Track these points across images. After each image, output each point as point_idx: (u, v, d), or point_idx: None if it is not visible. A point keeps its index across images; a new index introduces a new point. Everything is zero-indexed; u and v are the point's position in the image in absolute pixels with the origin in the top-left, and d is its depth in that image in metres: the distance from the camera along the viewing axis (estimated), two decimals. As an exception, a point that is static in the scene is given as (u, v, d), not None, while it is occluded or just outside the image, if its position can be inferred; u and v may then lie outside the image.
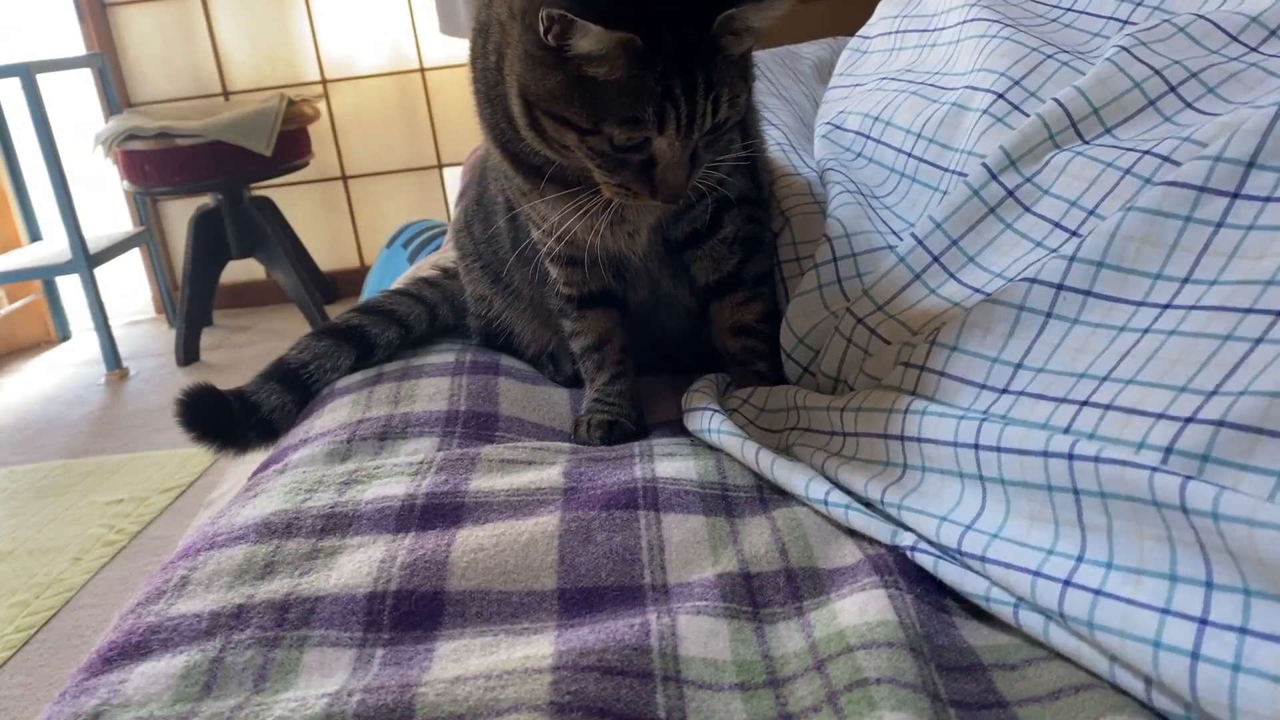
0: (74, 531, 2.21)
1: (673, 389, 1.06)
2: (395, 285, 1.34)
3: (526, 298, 1.14)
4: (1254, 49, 0.85)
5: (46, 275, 3.32)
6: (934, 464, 0.73)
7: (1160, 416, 0.59)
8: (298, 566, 0.71)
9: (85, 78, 3.68)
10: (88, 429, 2.86)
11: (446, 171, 3.77)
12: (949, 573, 0.66)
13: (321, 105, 3.62)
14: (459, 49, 3.16)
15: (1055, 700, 0.55)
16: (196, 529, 0.85)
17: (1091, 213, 0.79)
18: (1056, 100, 0.87)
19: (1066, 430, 0.65)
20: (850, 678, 0.57)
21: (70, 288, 3.59)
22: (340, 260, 3.87)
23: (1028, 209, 0.84)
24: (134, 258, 3.88)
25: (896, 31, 1.31)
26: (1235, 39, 0.86)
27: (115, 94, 3.62)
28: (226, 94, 3.74)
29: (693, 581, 0.69)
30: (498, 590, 0.69)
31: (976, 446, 0.68)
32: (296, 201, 3.75)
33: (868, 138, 1.15)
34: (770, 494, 0.80)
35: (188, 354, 3.31)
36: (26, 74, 3.04)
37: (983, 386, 0.75)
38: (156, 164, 3.09)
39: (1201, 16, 0.89)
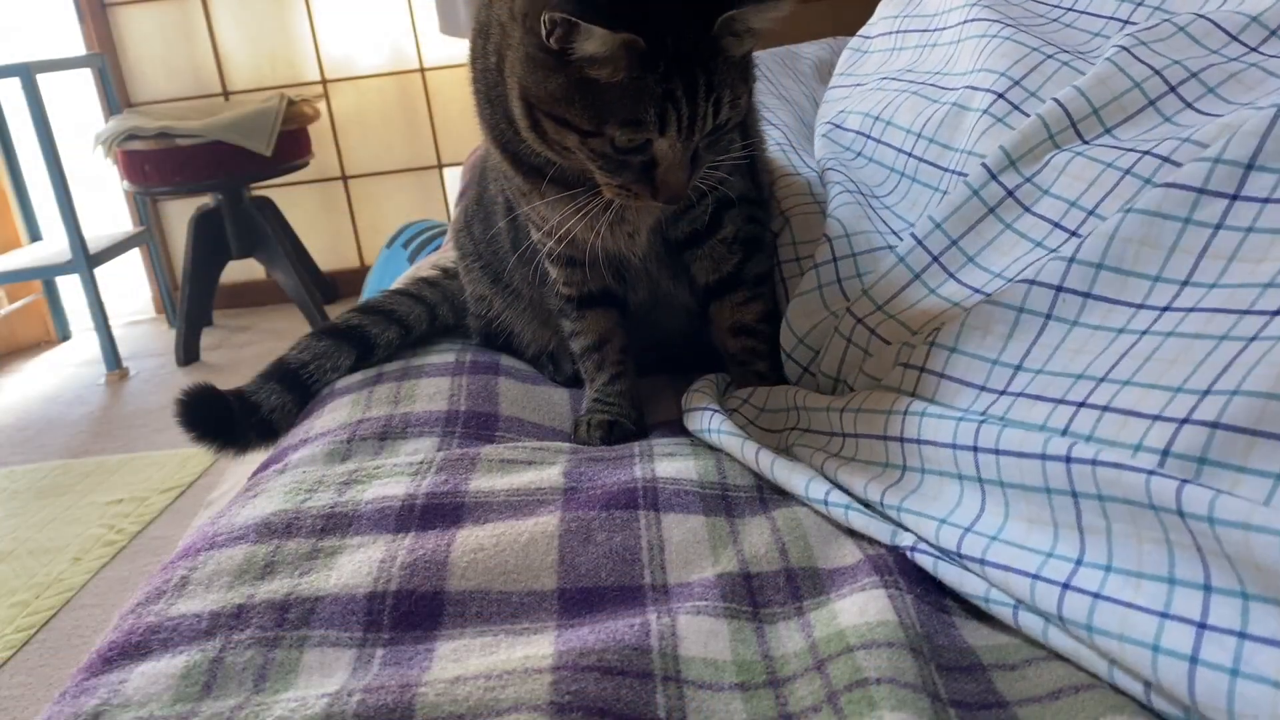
0: (74, 531, 2.21)
1: (673, 389, 1.06)
2: (395, 285, 1.34)
3: (526, 298, 1.14)
4: (1254, 49, 0.85)
5: (46, 275, 3.32)
6: (933, 466, 0.73)
7: (1156, 418, 0.59)
8: (298, 566, 0.71)
9: (85, 78, 3.68)
10: (88, 429, 2.86)
11: (446, 171, 3.77)
12: (949, 573, 0.66)
13: (321, 105, 3.62)
14: (459, 49, 3.16)
15: (1055, 700, 0.55)
16: (196, 529, 0.85)
17: (1091, 213, 0.79)
18: (1056, 100, 0.87)
19: (1064, 432, 0.65)
20: (850, 678, 0.57)
21: (70, 288, 3.59)
22: (340, 260, 3.87)
23: (1027, 209, 0.84)
24: (134, 258, 3.88)
25: (897, 31, 1.31)
26: (1235, 38, 0.86)
27: (115, 94, 3.62)
28: (226, 94, 3.74)
29: (693, 581, 0.69)
30: (498, 590, 0.69)
31: (975, 449, 0.68)
32: (296, 201, 3.75)
33: (868, 137, 1.15)
34: (770, 494, 0.80)
35: (188, 354, 3.31)
36: (26, 74, 3.04)
37: (982, 388, 0.75)
38: (156, 164, 3.09)
39: (1202, 16, 0.89)
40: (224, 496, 1.23)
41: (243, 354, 3.32)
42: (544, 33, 0.74)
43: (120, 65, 3.72)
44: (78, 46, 3.71)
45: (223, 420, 1.09)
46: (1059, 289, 0.72)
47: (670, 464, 0.84)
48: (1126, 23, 1.01)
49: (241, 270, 3.70)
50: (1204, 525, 0.52)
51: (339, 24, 3.69)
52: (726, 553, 0.72)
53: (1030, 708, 0.56)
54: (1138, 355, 0.64)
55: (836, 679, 0.57)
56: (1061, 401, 0.66)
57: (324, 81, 3.73)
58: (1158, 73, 0.85)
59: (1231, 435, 0.55)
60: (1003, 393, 0.72)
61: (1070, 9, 1.10)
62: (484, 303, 1.19)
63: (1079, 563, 0.59)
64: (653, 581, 0.69)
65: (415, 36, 3.67)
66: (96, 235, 3.36)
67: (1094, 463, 0.58)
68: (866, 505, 0.76)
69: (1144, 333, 0.66)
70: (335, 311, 3.00)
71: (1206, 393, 0.57)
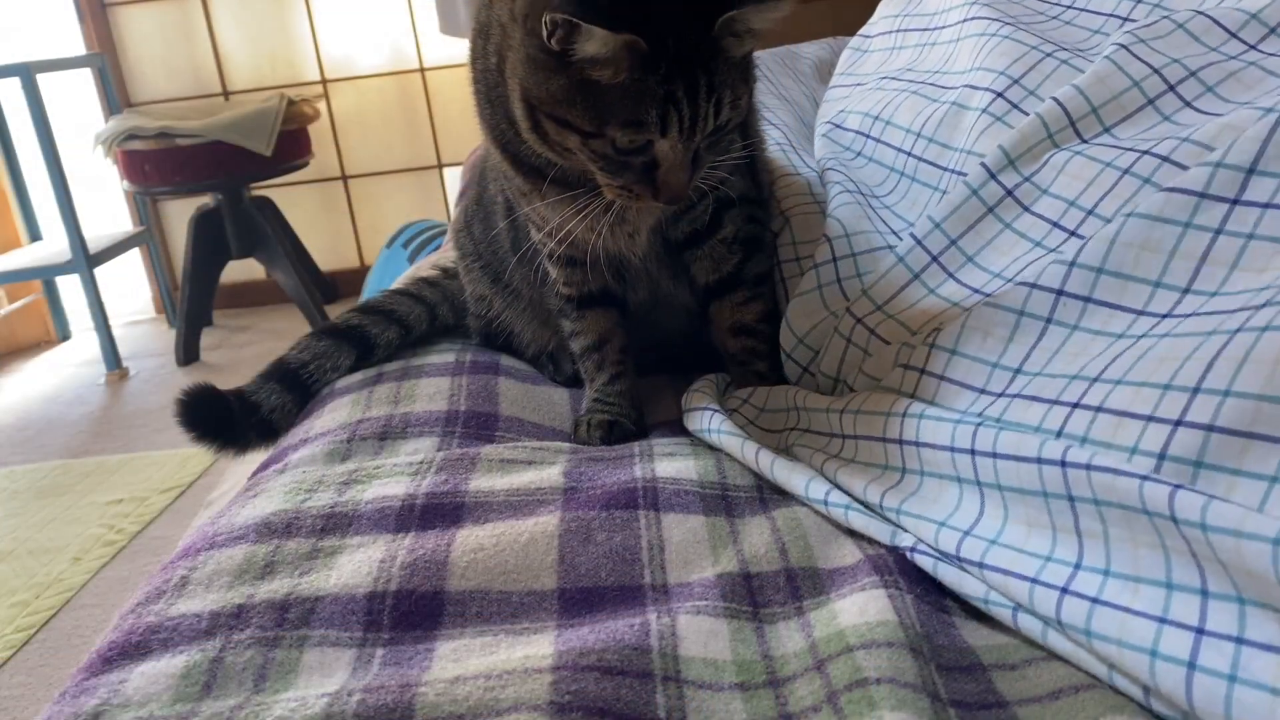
0: (74, 531, 2.21)
1: (673, 389, 1.06)
2: (395, 285, 1.34)
3: (526, 298, 1.14)
4: (1253, 46, 0.85)
5: (46, 275, 3.33)
6: (932, 468, 0.73)
7: (1150, 419, 0.59)
8: (298, 566, 0.71)
9: (85, 78, 3.68)
10: (88, 429, 2.86)
11: (446, 171, 3.77)
12: (948, 574, 0.66)
13: (321, 105, 3.62)
14: (459, 49, 3.16)
15: (1055, 700, 0.55)
16: (196, 529, 0.85)
17: (1090, 212, 0.79)
18: (1055, 99, 0.87)
19: (1059, 434, 0.64)
20: (850, 677, 0.57)
21: (70, 288, 3.59)
22: (340, 260, 3.87)
23: (1026, 208, 0.84)
24: (134, 258, 3.88)
25: (897, 30, 1.31)
26: (1235, 36, 0.86)
27: (115, 94, 3.62)
28: (226, 94, 3.74)
29: (693, 581, 0.69)
30: (498, 590, 0.69)
31: (972, 452, 0.68)
32: (296, 201, 3.75)
33: (868, 137, 1.15)
34: (770, 494, 0.80)
35: (188, 354, 3.31)
36: (26, 74, 3.04)
37: (981, 391, 0.75)
38: (156, 164, 3.09)
39: (1201, 13, 0.89)
40: (224, 496, 1.23)
41: (243, 354, 3.32)
42: (545, 34, 0.74)
43: (120, 65, 3.72)
44: (78, 46, 3.71)
45: (223, 420, 1.09)
46: (1060, 293, 0.72)
47: (670, 464, 0.84)
48: (1126, 20, 1.01)
49: (241, 270, 3.70)
50: (1197, 532, 0.51)
51: (339, 24, 3.69)
52: (726, 553, 0.72)
53: (1030, 708, 0.55)
54: (1131, 355, 0.64)
55: (836, 679, 0.57)
56: (1056, 402, 0.66)
57: (324, 81, 3.73)
58: (1156, 71, 0.85)
59: (1226, 438, 0.55)
60: (1000, 395, 0.72)
61: (1070, 6, 1.10)
62: (484, 303, 1.19)
63: (1078, 566, 0.59)
64: (653, 581, 0.69)
65: (415, 36, 3.67)
66: (96, 235, 3.36)
67: (1088, 467, 0.58)
68: (866, 507, 0.76)
69: (1142, 338, 0.66)
70: (335, 311, 3.00)
71: (1197, 390, 0.57)
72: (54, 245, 3.47)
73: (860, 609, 0.63)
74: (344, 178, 3.82)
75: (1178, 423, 0.57)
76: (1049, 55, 0.97)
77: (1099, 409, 0.63)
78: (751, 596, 0.67)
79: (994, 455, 0.66)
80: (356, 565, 0.70)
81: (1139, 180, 0.76)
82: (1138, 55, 0.86)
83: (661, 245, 1.00)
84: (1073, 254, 0.72)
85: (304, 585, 0.69)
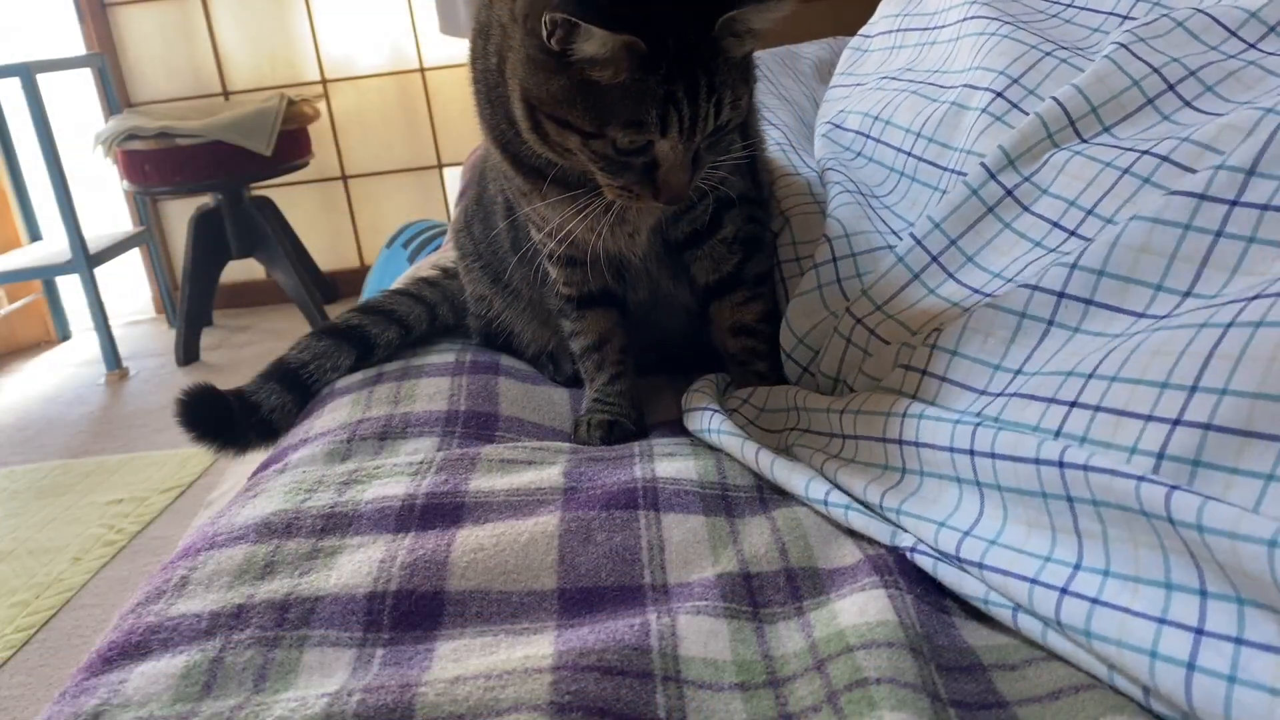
0: (74, 531, 2.21)
1: (673, 389, 1.06)
2: (395, 285, 1.34)
3: (526, 298, 1.14)
4: (1252, 45, 0.85)
5: (46, 275, 3.33)
6: (932, 469, 0.73)
7: (1149, 418, 0.59)
8: (298, 566, 0.71)
9: (85, 78, 3.68)
10: (88, 429, 2.86)
11: (446, 171, 3.77)
12: (948, 574, 0.66)
13: (321, 105, 3.62)
14: (459, 49, 3.16)
15: (1055, 700, 0.55)
16: (196, 529, 0.85)
17: (1090, 212, 0.79)
18: (1055, 99, 0.87)
19: (1058, 434, 0.64)
20: (850, 678, 0.57)
21: (70, 288, 3.59)
22: (340, 260, 3.87)
23: (1026, 208, 0.84)
24: (134, 258, 3.88)
25: (897, 30, 1.31)
26: (1234, 34, 0.86)
27: (115, 94, 3.62)
28: (226, 94, 3.74)
29: (693, 581, 0.69)
30: (498, 590, 0.69)
31: (971, 452, 0.68)
32: (296, 201, 3.75)
33: (868, 137, 1.15)
34: (770, 494, 0.80)
35: (188, 354, 3.31)
36: (26, 74, 3.04)
37: (982, 392, 0.75)
38: (156, 164, 3.09)
39: (1200, 11, 0.89)
40: (224, 496, 1.23)
41: (243, 354, 3.32)
42: (545, 34, 0.74)
43: (120, 65, 3.72)
44: (78, 46, 3.71)
45: (223, 420, 1.09)
46: (1061, 295, 0.72)
47: (670, 464, 0.84)
48: (1126, 17, 1.01)
49: (241, 270, 3.70)
50: (1194, 533, 0.51)
51: (339, 24, 3.69)
52: (726, 553, 0.72)
53: (1030, 708, 0.55)
54: (1125, 349, 0.64)
55: (836, 679, 0.57)
56: (1054, 400, 0.66)
57: (324, 81, 3.73)
58: (1156, 71, 0.85)
59: (1224, 436, 0.55)
60: (1000, 395, 0.72)
61: (1070, 4, 1.10)
62: (484, 303, 1.19)
63: (1077, 567, 0.59)
64: (653, 581, 0.69)
65: (415, 36, 3.67)
66: (96, 235, 3.36)
67: (1086, 468, 0.58)
68: (866, 507, 0.76)
69: (1138, 334, 0.66)
70: (335, 311, 3.00)
71: (1194, 389, 0.57)
72: (54, 245, 3.47)
73: (860, 609, 0.63)
74: (344, 178, 3.82)
75: (1176, 422, 0.57)
76: (1048, 54, 0.97)
77: (1097, 408, 0.63)
78: (751, 596, 0.67)
79: (992, 455, 0.66)
80: (356, 565, 0.70)
81: (1139, 180, 0.76)
82: (1137, 54, 0.86)
83: (661, 245, 1.00)
84: (1074, 256, 0.72)
85: (304, 585, 0.69)
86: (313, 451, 0.91)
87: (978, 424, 0.69)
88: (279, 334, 3.41)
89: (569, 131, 0.79)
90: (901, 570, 0.67)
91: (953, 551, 0.66)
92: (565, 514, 0.76)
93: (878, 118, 1.14)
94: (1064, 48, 0.99)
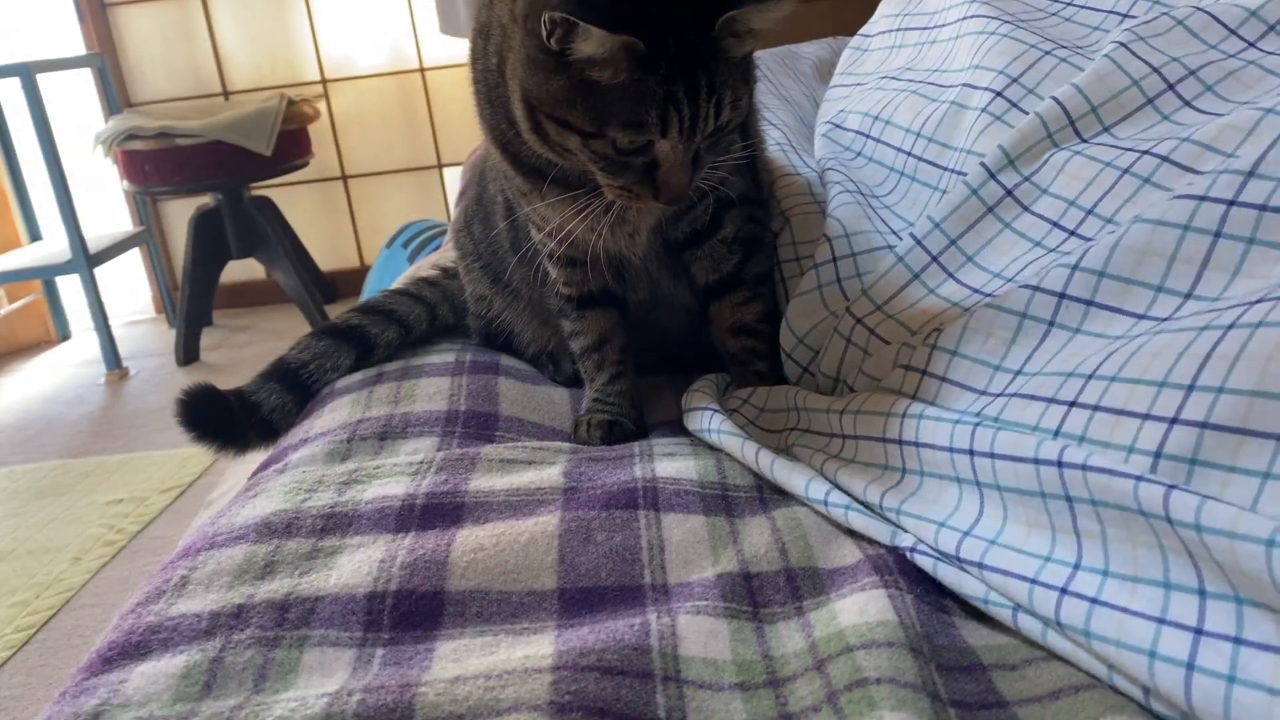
0: (74, 531, 2.21)
1: (673, 389, 1.06)
2: (395, 285, 1.34)
3: (526, 298, 1.14)
4: (1252, 44, 0.85)
5: (46, 275, 3.32)
6: (931, 469, 0.73)
7: (1146, 417, 0.59)
8: (298, 566, 0.71)
9: (85, 78, 3.68)
10: (88, 429, 2.86)
11: (446, 171, 3.77)
12: (948, 574, 0.66)
13: (321, 105, 3.62)
14: (459, 49, 3.16)
15: (1055, 700, 0.55)
16: (196, 529, 0.85)
17: (1090, 212, 0.79)
18: (1055, 99, 0.87)
19: (1057, 433, 0.64)
20: (850, 677, 0.57)
21: (70, 288, 3.59)
22: (340, 260, 3.87)
23: (1026, 208, 0.84)
24: (134, 258, 3.89)
25: (897, 29, 1.31)
26: (1234, 33, 0.86)
27: (115, 94, 3.62)
28: (226, 94, 3.74)
29: (693, 581, 0.69)
30: (498, 590, 0.69)
31: (971, 452, 0.68)
32: (296, 201, 3.75)
33: (868, 137, 1.15)
34: (770, 494, 0.80)
35: (188, 354, 3.31)
36: (26, 74, 3.04)
37: (982, 393, 0.75)
38: (156, 164, 3.09)
39: (1200, 9, 0.89)
40: (224, 496, 1.23)
41: (243, 354, 3.32)
42: (544, 33, 0.74)
43: (120, 65, 3.72)
44: (78, 46, 3.71)
45: (223, 420, 1.09)
46: (1062, 296, 0.72)
47: (670, 464, 0.84)
48: (1126, 16, 1.01)
49: (241, 270, 3.70)
50: (1192, 533, 0.51)
51: (339, 24, 3.69)
52: (726, 553, 0.72)
53: (1030, 708, 0.55)
54: (1125, 351, 0.64)
55: (836, 679, 0.57)
56: (1053, 400, 0.66)
57: (324, 81, 3.73)
58: (1156, 70, 0.85)
59: (1221, 435, 0.55)
60: (1000, 395, 0.72)
61: (1070, 3, 1.10)
62: (484, 303, 1.19)
63: (1076, 567, 0.59)
64: (653, 581, 0.69)
65: (415, 36, 3.67)
66: (96, 235, 3.36)
67: (1084, 468, 0.58)
68: (866, 507, 0.76)
69: (1139, 336, 0.66)
70: (335, 311, 3.00)
71: (1192, 388, 0.57)
72: (54, 245, 3.47)
73: (860, 609, 0.63)
74: (344, 178, 3.82)
75: (1173, 420, 0.57)
76: (1048, 53, 0.97)
77: (1096, 407, 0.63)
78: (751, 596, 0.67)
79: (992, 455, 0.66)
80: (356, 565, 0.70)
81: (1139, 180, 0.76)
82: (1137, 54, 0.86)
83: (661, 245, 1.00)
84: (1075, 257, 0.72)
85: (304, 585, 0.69)
86: (313, 451, 0.91)
87: (977, 424, 0.69)
88: (279, 334, 3.41)
89: (569, 132, 0.79)
90: (901, 570, 0.67)
91: (953, 551, 0.66)
92: (565, 514, 0.76)
93: (878, 117, 1.14)
94: (1064, 46, 0.99)
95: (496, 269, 1.16)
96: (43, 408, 3.06)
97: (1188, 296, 0.66)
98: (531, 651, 0.61)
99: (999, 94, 0.96)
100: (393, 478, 0.83)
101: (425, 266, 1.46)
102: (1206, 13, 0.88)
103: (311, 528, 0.76)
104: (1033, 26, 1.04)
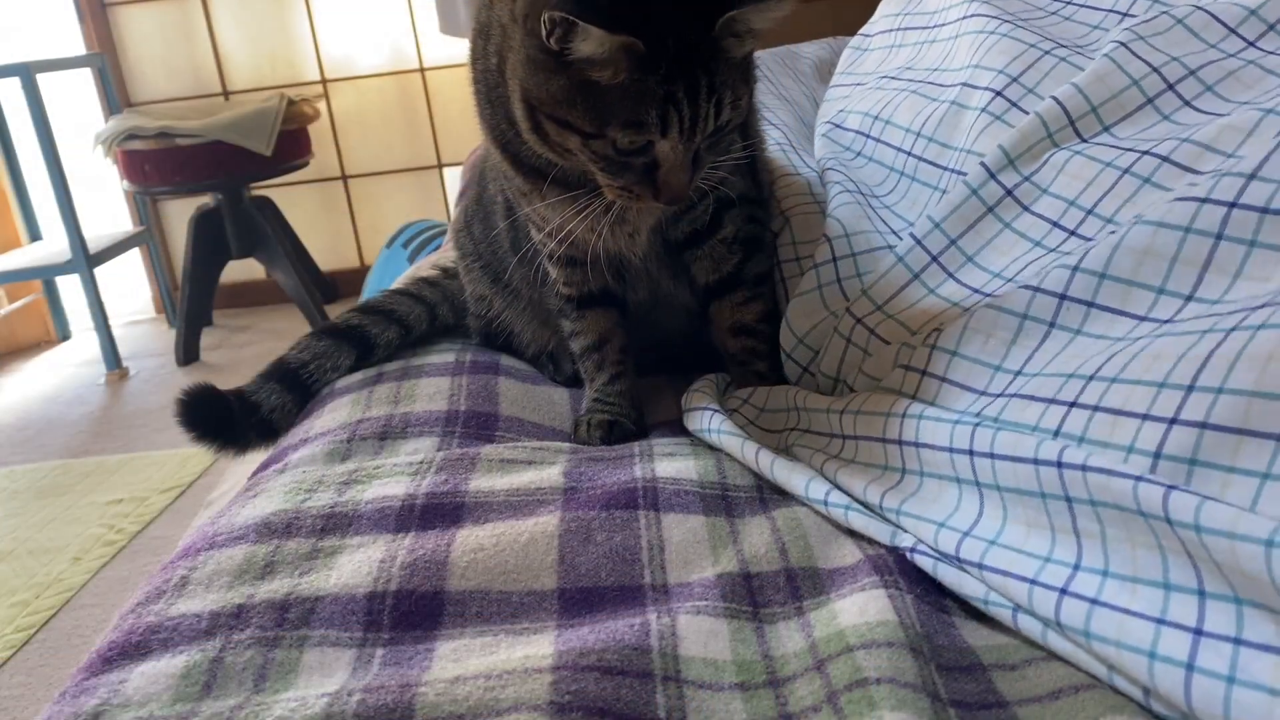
0: (74, 531, 2.21)
1: (673, 389, 1.06)
2: (395, 285, 1.34)
3: (526, 298, 1.14)
4: (1252, 43, 0.85)
5: (46, 275, 3.33)
6: (931, 469, 0.73)
7: (1146, 417, 0.59)
8: (298, 566, 0.71)
9: (85, 78, 3.68)
10: (88, 429, 2.86)
11: (446, 171, 3.77)
12: (948, 575, 0.66)
13: (321, 105, 3.62)
14: (459, 49, 3.16)
15: (1055, 700, 0.55)
16: (196, 529, 0.85)
17: (1090, 212, 0.79)
18: (1055, 98, 0.87)
19: (1056, 434, 0.64)
20: (850, 677, 0.57)
21: (70, 288, 3.59)
22: (340, 260, 3.87)
23: (1026, 208, 0.84)
24: (134, 258, 3.89)
25: (897, 29, 1.31)
26: (1234, 32, 0.86)
27: (115, 94, 3.62)
28: (226, 94, 3.74)
29: (693, 581, 0.69)
30: (498, 590, 0.69)
31: (971, 453, 0.68)
32: (296, 201, 3.75)
33: (868, 137, 1.15)
34: (770, 494, 0.80)
35: (188, 354, 3.31)
36: (26, 74, 3.04)
37: (982, 393, 0.75)
38: (156, 164, 3.09)
39: (1200, 8, 0.89)
40: (224, 496, 1.23)
41: (243, 354, 3.32)
42: (544, 33, 0.74)
43: (120, 65, 3.72)
44: (78, 46, 3.71)
45: (223, 420, 1.09)
46: (1063, 297, 0.72)
47: (670, 464, 0.84)
48: (1126, 15, 1.01)
49: (241, 270, 3.70)
50: (1192, 533, 0.51)
51: (339, 24, 3.69)
52: (726, 553, 0.72)
53: (1030, 708, 0.55)
54: (1126, 353, 0.64)
55: (836, 679, 0.57)
56: (1053, 401, 0.66)
57: (324, 81, 3.73)
58: (1156, 70, 0.85)
59: (1220, 435, 0.55)
60: (1000, 396, 0.72)
61: (1069, 2, 1.10)
62: (484, 303, 1.19)
63: (1076, 567, 0.59)
64: (653, 581, 0.69)
65: (415, 36, 3.67)
66: (96, 235, 3.37)
67: (1084, 468, 0.58)
68: (866, 507, 0.76)
69: (1140, 339, 0.66)
70: (335, 311, 3.00)
71: (1191, 388, 0.57)
72: (54, 245, 3.47)
73: (860, 609, 0.63)
74: (344, 178, 3.82)
75: (1173, 421, 0.57)
76: (1048, 53, 0.97)
77: (1095, 408, 0.63)
78: (751, 596, 0.67)
79: (991, 456, 0.66)
80: (356, 565, 0.70)
81: (1139, 180, 0.76)
82: (1137, 53, 0.86)
83: (661, 245, 1.00)
84: (1076, 259, 0.72)
85: (304, 585, 0.69)
86: (313, 451, 0.91)
87: (977, 424, 0.69)
88: (279, 334, 3.41)
89: (569, 132, 0.79)
90: (901, 570, 0.67)
91: (952, 552, 0.66)
92: (565, 514, 0.76)
93: (878, 117, 1.14)
94: (1063, 46, 0.98)
95: (496, 269, 1.16)
96: (43, 408, 3.06)
97: (1189, 299, 0.66)
98: (531, 651, 0.61)
99: (999, 93, 0.96)
100: (393, 478, 0.83)
101: (425, 266, 1.46)
102: (1206, 11, 0.88)
103: (311, 528, 0.76)
104: (1033, 26, 1.04)
